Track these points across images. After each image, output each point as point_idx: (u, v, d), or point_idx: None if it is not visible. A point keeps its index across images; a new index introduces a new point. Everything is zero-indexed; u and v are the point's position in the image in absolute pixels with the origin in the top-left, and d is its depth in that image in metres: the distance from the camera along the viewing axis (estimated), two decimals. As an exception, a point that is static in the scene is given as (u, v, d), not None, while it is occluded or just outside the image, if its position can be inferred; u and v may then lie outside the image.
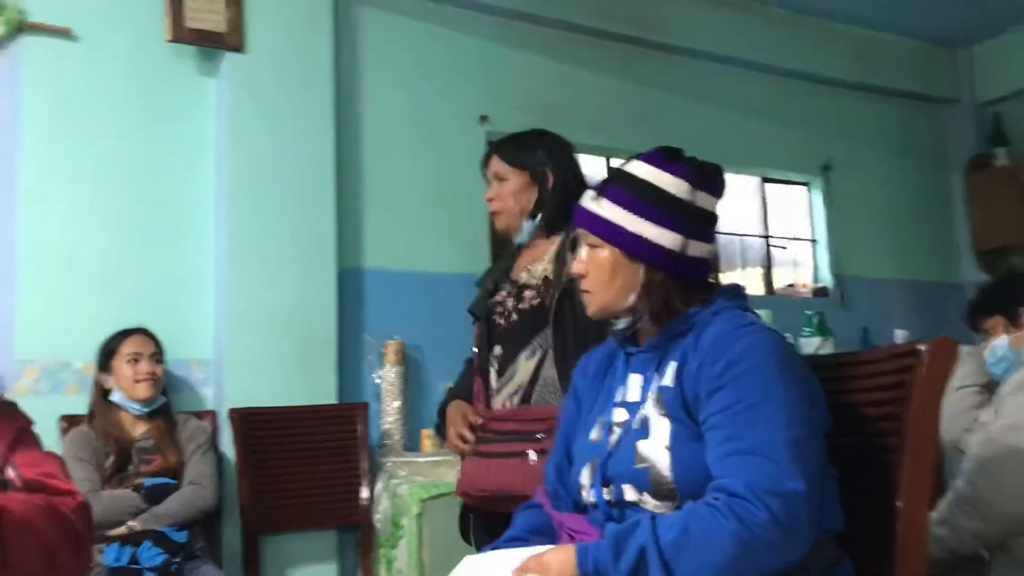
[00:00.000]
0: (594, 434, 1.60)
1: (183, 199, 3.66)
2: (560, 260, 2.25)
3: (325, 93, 3.83)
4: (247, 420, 3.34)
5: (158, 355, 3.15)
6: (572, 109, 4.61)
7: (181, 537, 2.86)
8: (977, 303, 2.90)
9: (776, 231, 5.51)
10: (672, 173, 1.55)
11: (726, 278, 5.02)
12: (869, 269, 5.51)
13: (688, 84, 5.03)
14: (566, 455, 1.71)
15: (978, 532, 2.28)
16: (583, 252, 1.62)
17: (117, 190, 3.54)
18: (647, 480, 1.44)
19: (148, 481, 2.92)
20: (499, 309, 2.35)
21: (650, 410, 1.49)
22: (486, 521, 2.29)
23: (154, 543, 2.79)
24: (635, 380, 1.59)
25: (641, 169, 1.58)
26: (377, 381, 3.83)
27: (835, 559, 1.45)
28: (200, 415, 3.38)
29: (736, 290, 1.60)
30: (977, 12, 5.42)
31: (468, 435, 2.29)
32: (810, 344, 4.19)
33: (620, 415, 1.56)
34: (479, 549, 2.35)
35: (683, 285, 1.56)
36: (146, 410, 3.07)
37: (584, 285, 1.62)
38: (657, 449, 1.44)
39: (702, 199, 1.56)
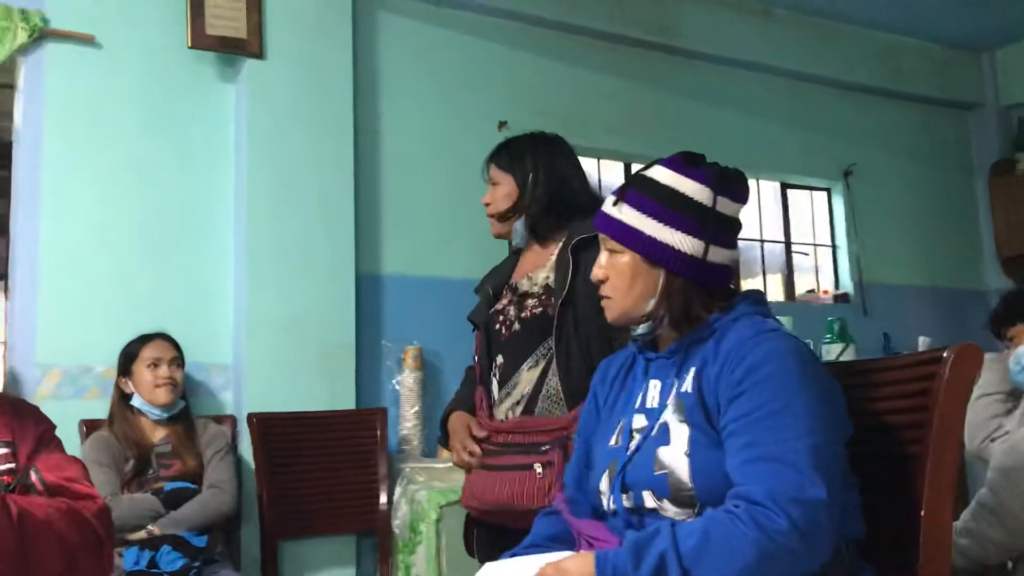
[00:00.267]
0: (613, 440, 1.59)
1: (203, 204, 3.68)
2: (561, 268, 2.22)
3: (344, 98, 3.85)
4: (266, 425, 3.34)
5: (178, 360, 3.16)
6: (592, 114, 4.61)
7: (200, 541, 2.86)
8: (1000, 311, 2.88)
9: (797, 237, 5.48)
10: (693, 178, 1.55)
11: (746, 284, 5.03)
12: (891, 275, 5.47)
13: (709, 89, 5.02)
14: (585, 461, 1.70)
15: (1001, 542, 2.26)
16: (603, 257, 1.61)
17: (138, 195, 3.57)
18: (666, 487, 1.43)
19: (168, 485, 2.93)
20: (500, 318, 2.31)
21: (669, 416, 1.49)
22: (491, 534, 2.28)
23: (173, 547, 2.80)
24: (654, 386, 1.58)
25: (662, 174, 1.57)
26: (396, 387, 3.83)
27: (856, 569, 1.43)
28: (220, 419, 3.39)
29: (757, 296, 1.59)
30: (1000, 16, 5.38)
31: (475, 448, 2.24)
32: (831, 351, 4.16)
33: (639, 421, 1.55)
34: (482, 562, 2.35)
35: (704, 291, 1.55)
36: (166, 415, 3.08)
37: (604, 291, 1.61)
38: (676, 455, 1.43)
39: (723, 205, 1.55)
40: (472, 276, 3.92)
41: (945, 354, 1.45)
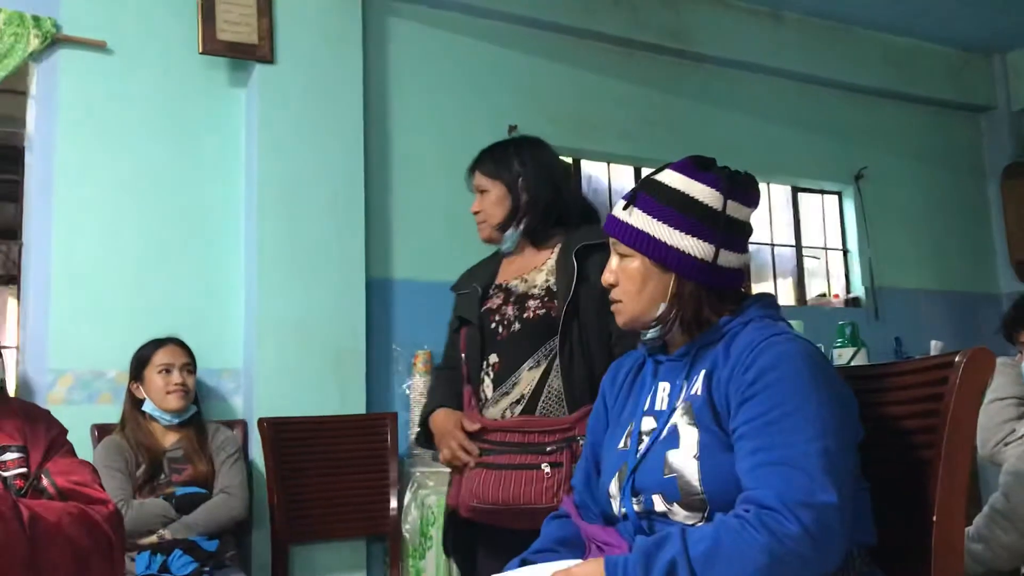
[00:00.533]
0: (622, 443, 1.59)
1: (214, 209, 3.70)
2: (564, 272, 2.25)
3: (354, 103, 3.86)
4: (277, 430, 3.35)
5: (190, 366, 3.16)
6: (602, 119, 4.61)
7: (211, 546, 2.88)
8: (1012, 315, 2.87)
9: (808, 241, 5.47)
10: (704, 182, 1.54)
11: (757, 288, 5.02)
12: (903, 279, 5.45)
13: (719, 93, 5.01)
14: (594, 465, 1.70)
15: (1014, 547, 2.25)
16: (613, 261, 1.61)
17: (149, 200, 3.58)
18: (676, 490, 1.42)
19: (179, 490, 2.94)
20: (496, 317, 2.32)
21: (679, 419, 1.48)
22: (472, 535, 2.29)
23: (185, 552, 2.81)
24: (664, 388, 1.58)
25: (672, 178, 1.56)
26: (406, 391, 3.83)
27: (867, 574, 1.43)
28: (231, 424, 3.40)
29: (768, 300, 1.58)
30: (1011, 19, 5.36)
31: (471, 446, 2.24)
32: (842, 355, 4.15)
33: (648, 424, 1.55)
34: (459, 563, 2.35)
35: (714, 295, 1.55)
36: (177, 420, 3.08)
37: (614, 295, 1.61)
38: (686, 458, 1.43)
39: (734, 209, 1.55)
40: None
41: (957, 358, 1.44)
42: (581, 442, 2.13)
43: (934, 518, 1.43)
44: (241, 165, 3.75)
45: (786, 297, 5.34)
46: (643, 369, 1.67)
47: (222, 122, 3.75)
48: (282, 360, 3.56)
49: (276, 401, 3.49)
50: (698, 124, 4.87)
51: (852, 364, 3.96)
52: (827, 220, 5.55)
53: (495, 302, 2.35)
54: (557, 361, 2.20)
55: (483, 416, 2.27)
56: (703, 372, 1.50)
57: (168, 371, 3.08)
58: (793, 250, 5.42)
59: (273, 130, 3.68)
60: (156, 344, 3.14)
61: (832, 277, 5.50)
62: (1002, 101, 5.91)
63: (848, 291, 5.44)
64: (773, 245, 5.33)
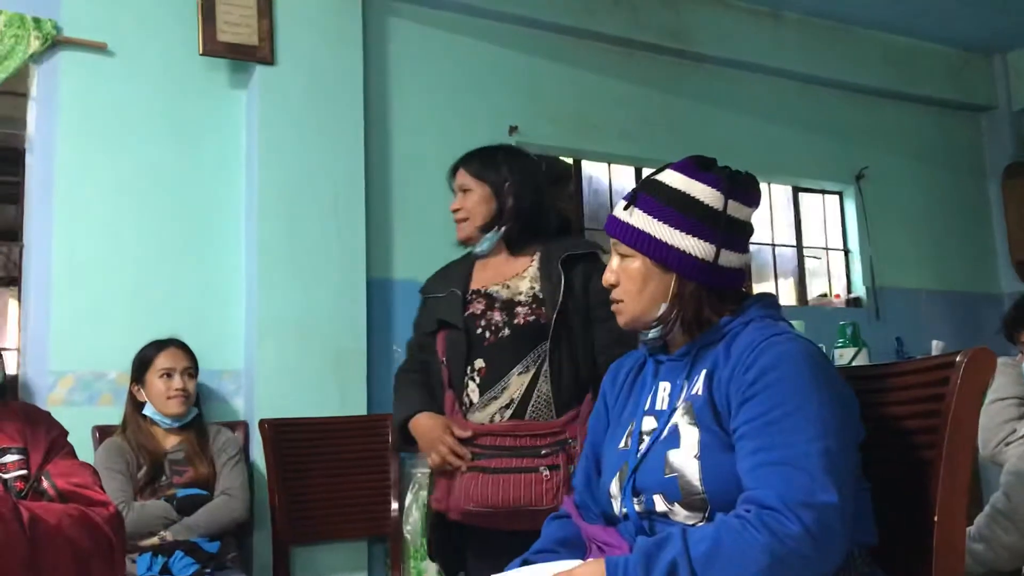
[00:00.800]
0: (623, 443, 1.59)
1: (215, 210, 3.70)
2: (550, 280, 2.31)
3: (355, 104, 3.86)
4: (278, 431, 3.35)
5: (191, 369, 3.15)
6: (602, 119, 4.61)
7: (213, 548, 2.88)
8: (1013, 315, 2.86)
9: (809, 241, 5.47)
10: (704, 182, 1.54)
11: (758, 288, 5.02)
12: (904, 279, 5.45)
13: (720, 93, 5.01)
14: (595, 465, 1.70)
15: (1015, 547, 2.25)
16: (614, 262, 1.61)
17: (150, 201, 3.58)
18: (677, 490, 1.42)
19: (180, 492, 2.93)
20: (482, 323, 2.34)
21: (680, 419, 1.48)
22: (471, 539, 2.31)
23: (186, 553, 2.81)
24: (664, 388, 1.58)
25: (673, 178, 1.56)
26: (407, 392, 3.83)
27: (868, 574, 1.43)
28: (232, 426, 3.40)
29: (769, 300, 1.58)
30: (1012, 18, 5.36)
31: (463, 450, 2.26)
32: (843, 355, 4.14)
33: (649, 423, 1.55)
34: (443, 566, 2.36)
35: (715, 295, 1.54)
36: (177, 424, 3.08)
37: (615, 295, 1.61)
38: (686, 458, 1.43)
39: (735, 209, 1.55)
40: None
41: (958, 358, 1.44)
42: (573, 444, 2.20)
43: (935, 518, 1.42)
44: (241, 166, 3.75)
45: (787, 297, 5.33)
46: (644, 369, 1.67)
47: (222, 123, 3.75)
48: (283, 361, 3.56)
49: (277, 402, 3.49)
50: (698, 124, 4.87)
51: (853, 364, 3.96)
52: (828, 220, 5.55)
53: (478, 307, 2.37)
54: (546, 366, 2.26)
55: (468, 420, 2.29)
56: (704, 372, 1.50)
57: (169, 375, 3.07)
58: (794, 250, 5.42)
59: (273, 131, 3.68)
60: (157, 346, 3.13)
61: (833, 277, 5.49)
62: (1003, 101, 5.91)
63: (849, 291, 5.43)
64: (774, 245, 5.33)
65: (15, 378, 3.35)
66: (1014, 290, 5.35)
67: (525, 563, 1.61)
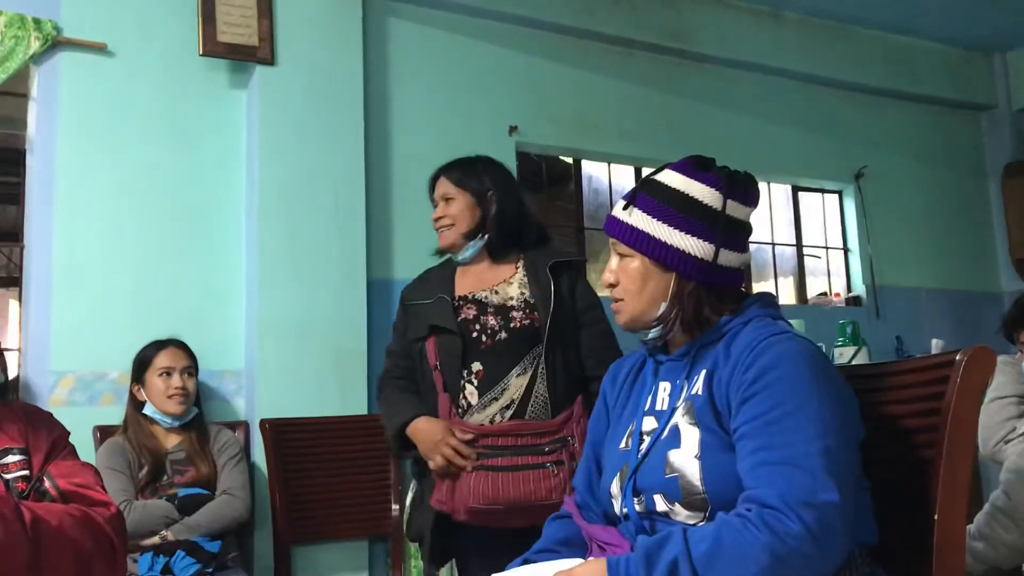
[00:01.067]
0: (623, 443, 1.59)
1: (215, 210, 3.70)
2: (538, 286, 2.40)
3: (355, 104, 3.86)
4: (278, 431, 3.35)
5: (191, 368, 3.15)
6: (602, 119, 4.61)
7: (214, 547, 2.88)
8: (1013, 314, 2.87)
9: (809, 240, 5.47)
10: (703, 182, 1.54)
11: (758, 287, 5.02)
12: (904, 278, 5.45)
13: (719, 93, 5.01)
14: (596, 465, 1.70)
15: (1015, 545, 2.25)
16: (613, 262, 1.61)
17: (150, 202, 3.58)
18: (678, 490, 1.43)
19: (181, 492, 2.94)
20: (476, 327, 2.39)
21: (680, 419, 1.48)
22: (475, 538, 2.32)
23: (187, 553, 2.81)
24: (664, 388, 1.58)
25: (672, 178, 1.57)
26: (407, 392, 3.83)
27: (869, 573, 1.43)
28: (232, 426, 3.40)
29: (768, 299, 1.59)
30: (1012, 18, 5.36)
31: (468, 451, 2.29)
32: (843, 354, 4.15)
33: (649, 423, 1.55)
34: (436, 562, 2.38)
35: (714, 294, 1.55)
36: (178, 423, 3.08)
37: (615, 294, 1.61)
38: (687, 458, 1.43)
39: (733, 208, 1.55)
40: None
41: (958, 357, 1.44)
42: (572, 442, 2.28)
43: (935, 517, 1.43)
44: (242, 166, 3.75)
45: (787, 296, 5.34)
46: (644, 369, 1.67)
47: (222, 123, 3.75)
48: (283, 361, 3.56)
49: (278, 402, 3.49)
50: (698, 124, 4.87)
51: (853, 363, 3.96)
52: (828, 219, 5.56)
53: (469, 312, 2.41)
54: (542, 368, 2.34)
55: (466, 422, 2.33)
56: (704, 372, 1.50)
57: (168, 374, 3.08)
58: (794, 249, 5.43)
59: (273, 131, 3.68)
60: (157, 346, 3.14)
61: (833, 276, 5.50)
62: (1002, 100, 5.91)
63: (849, 290, 5.44)
64: (774, 244, 5.33)
65: (16, 378, 3.35)
66: (1014, 289, 5.36)
67: (526, 562, 1.61)
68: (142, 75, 3.63)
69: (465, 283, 2.50)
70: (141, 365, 3.11)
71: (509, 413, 2.32)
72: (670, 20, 4.81)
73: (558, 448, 2.27)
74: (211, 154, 3.72)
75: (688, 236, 1.52)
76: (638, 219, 1.56)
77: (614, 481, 1.56)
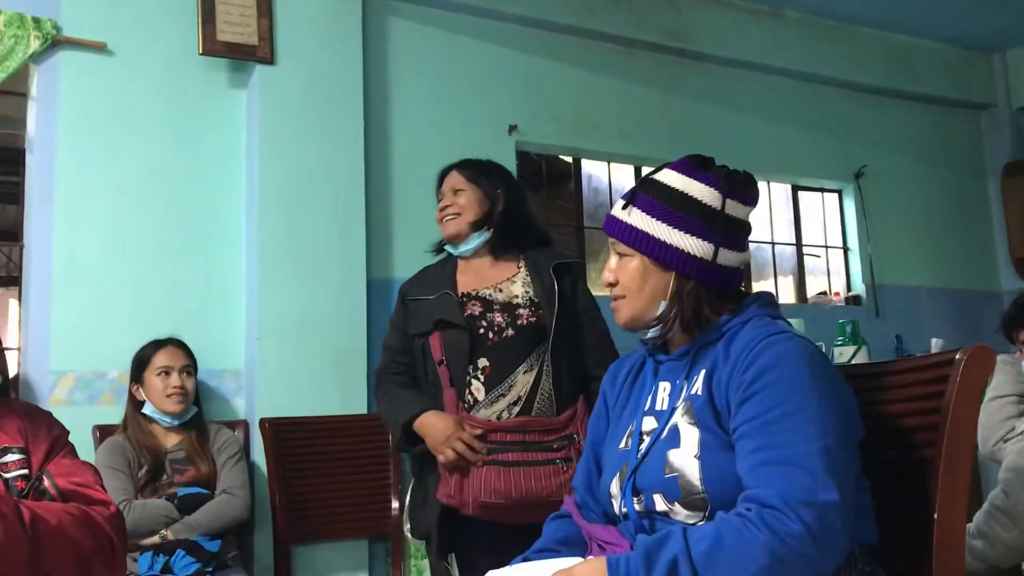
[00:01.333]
0: (623, 443, 1.59)
1: (215, 210, 3.70)
2: (542, 285, 2.45)
3: (355, 104, 3.86)
4: (278, 430, 3.35)
5: (190, 367, 3.16)
6: (602, 118, 4.61)
7: (214, 546, 2.88)
8: (1012, 313, 2.87)
9: (808, 239, 5.47)
10: (702, 181, 1.54)
11: (758, 287, 5.02)
12: (903, 277, 5.45)
13: (719, 92, 5.01)
14: (595, 464, 1.70)
15: (1014, 543, 2.25)
16: (612, 261, 1.61)
17: (150, 201, 3.59)
18: (677, 490, 1.42)
19: (181, 491, 2.94)
20: (483, 323, 2.41)
21: (679, 418, 1.48)
22: (483, 533, 2.32)
23: (187, 552, 2.81)
24: (664, 388, 1.58)
25: (671, 177, 1.57)
26: (407, 391, 3.83)
27: (869, 572, 1.43)
28: (232, 425, 3.40)
29: (768, 298, 1.58)
30: (1011, 16, 5.36)
31: (479, 446, 2.30)
32: (843, 353, 4.15)
33: (649, 423, 1.55)
34: (442, 555, 2.38)
35: (714, 294, 1.55)
36: (177, 422, 3.08)
37: (614, 293, 1.61)
38: (687, 458, 1.43)
39: (733, 207, 1.55)
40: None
41: (958, 356, 1.44)
42: (578, 440, 2.31)
43: (935, 516, 1.43)
44: (241, 166, 3.75)
45: (787, 295, 5.34)
46: (643, 369, 1.67)
47: (222, 123, 3.75)
48: (283, 360, 3.56)
49: (277, 401, 3.49)
50: (698, 123, 4.87)
51: (852, 362, 3.96)
52: (827, 218, 5.55)
53: (475, 309, 2.44)
54: (548, 365, 2.38)
55: (474, 417, 2.34)
56: (703, 372, 1.50)
57: (167, 373, 3.08)
58: (793, 248, 5.43)
59: (273, 131, 3.68)
60: (155, 345, 3.14)
61: (832, 275, 5.50)
62: (1002, 99, 5.91)
63: (848, 289, 5.44)
64: (773, 243, 5.33)
65: (16, 378, 3.35)
66: (1013, 288, 5.36)
67: (525, 561, 1.61)
68: (142, 74, 3.63)
69: (466, 280, 2.51)
70: (140, 364, 3.11)
71: (516, 409, 2.35)
72: (670, 19, 4.81)
73: (566, 445, 2.31)
74: (211, 153, 3.72)
75: (687, 235, 1.52)
76: (637, 218, 1.56)
77: (614, 481, 1.56)
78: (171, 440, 3.07)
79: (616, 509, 1.55)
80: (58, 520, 1.49)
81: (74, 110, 3.50)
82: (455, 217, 2.53)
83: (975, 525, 2.33)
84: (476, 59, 4.34)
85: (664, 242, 1.52)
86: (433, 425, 2.35)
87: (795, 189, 5.45)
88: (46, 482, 1.64)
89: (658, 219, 1.53)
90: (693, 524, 1.40)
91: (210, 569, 2.83)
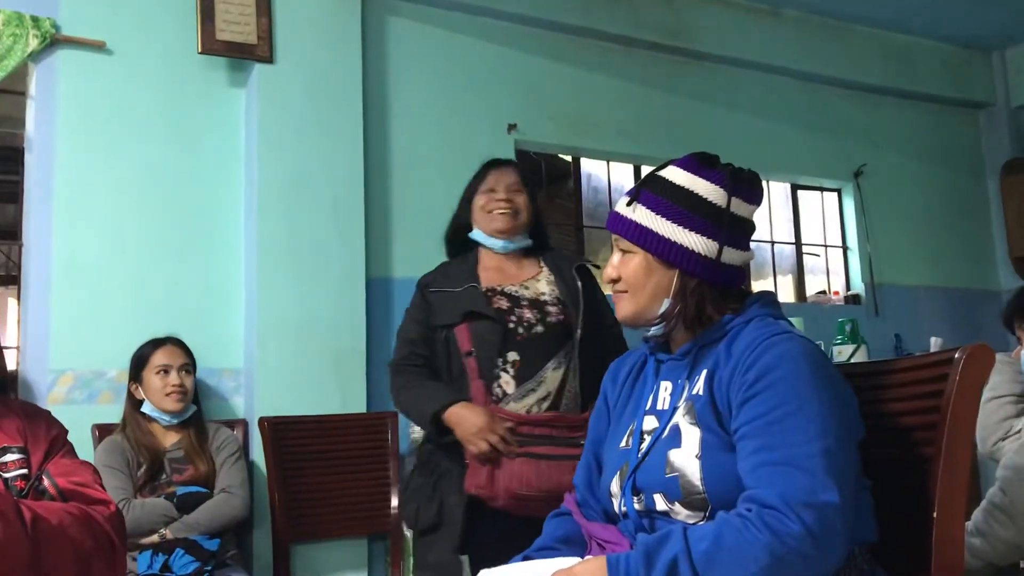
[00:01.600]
0: (624, 442, 1.59)
1: (214, 209, 3.70)
2: (567, 285, 2.51)
3: (354, 103, 3.86)
4: (277, 429, 3.35)
5: (188, 366, 3.15)
6: (602, 117, 4.61)
7: (213, 545, 2.88)
8: (1016, 305, 2.84)
9: (808, 238, 5.47)
10: (708, 179, 1.54)
11: (757, 286, 5.02)
12: (902, 276, 5.45)
13: (719, 91, 5.01)
14: (596, 463, 1.70)
15: (1013, 541, 2.25)
16: (615, 257, 1.60)
17: (149, 201, 3.58)
18: (678, 489, 1.42)
19: (180, 490, 2.94)
20: (512, 318, 2.44)
21: (680, 418, 1.48)
22: (508, 525, 2.30)
23: (186, 551, 2.81)
24: (665, 388, 1.57)
25: (676, 175, 1.56)
26: (407, 390, 3.83)
27: (869, 571, 1.43)
28: (231, 424, 3.40)
29: (769, 298, 1.58)
30: (1010, 15, 5.36)
31: (511, 438, 2.31)
32: (842, 352, 4.15)
33: (650, 423, 1.55)
34: (461, 551, 2.38)
35: (717, 292, 1.54)
36: (176, 421, 3.08)
37: (617, 289, 1.60)
38: (687, 458, 1.43)
39: (738, 206, 1.54)
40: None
41: (957, 355, 1.44)
42: None
43: (934, 515, 1.43)
44: (241, 165, 3.75)
45: (786, 294, 5.34)
46: (645, 368, 1.67)
47: (222, 122, 3.75)
48: (283, 359, 3.56)
49: (277, 400, 3.49)
50: (697, 122, 4.87)
51: (852, 361, 3.96)
52: (827, 217, 5.56)
53: (503, 303, 2.46)
54: (575, 362, 2.43)
55: (504, 409, 2.36)
56: (705, 372, 1.49)
57: (166, 372, 3.08)
58: (793, 247, 5.43)
59: (273, 130, 3.68)
60: (154, 344, 3.14)
61: (832, 274, 5.50)
62: (1001, 97, 5.91)
63: (848, 288, 5.44)
64: (773, 242, 5.33)
65: (15, 377, 3.35)
66: (1012, 286, 5.34)
67: (526, 559, 1.61)
68: (141, 73, 3.63)
69: (490, 277, 2.54)
70: (138, 363, 3.11)
71: (546, 404, 2.38)
72: (669, 18, 4.81)
73: None
74: (210, 152, 3.72)
75: (692, 233, 1.51)
76: (642, 215, 1.55)
77: (614, 479, 1.56)
78: (170, 439, 3.07)
79: (616, 508, 1.55)
80: (58, 520, 1.49)
81: (73, 109, 3.50)
82: (514, 214, 2.57)
83: (974, 523, 2.33)
84: (475, 58, 4.34)
85: (668, 239, 1.52)
86: (465, 416, 2.34)
87: (794, 188, 5.45)
88: (45, 482, 1.64)
89: (663, 216, 1.53)
90: (693, 524, 1.40)
91: (209, 568, 2.83)
